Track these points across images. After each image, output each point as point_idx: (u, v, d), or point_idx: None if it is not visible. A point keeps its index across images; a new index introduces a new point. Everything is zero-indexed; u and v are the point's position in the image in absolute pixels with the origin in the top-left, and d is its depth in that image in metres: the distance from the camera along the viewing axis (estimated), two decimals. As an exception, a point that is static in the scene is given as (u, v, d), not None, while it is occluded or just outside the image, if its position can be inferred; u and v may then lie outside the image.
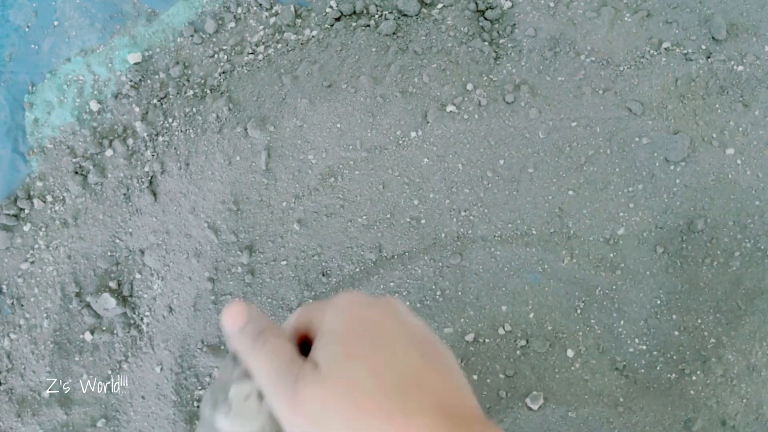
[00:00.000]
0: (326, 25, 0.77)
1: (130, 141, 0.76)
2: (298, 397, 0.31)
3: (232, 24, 0.78)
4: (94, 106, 0.77)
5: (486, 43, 0.76)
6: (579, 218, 0.74)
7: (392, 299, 0.36)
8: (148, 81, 0.77)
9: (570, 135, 0.74)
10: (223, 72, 0.77)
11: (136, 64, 0.77)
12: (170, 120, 0.76)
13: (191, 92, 0.77)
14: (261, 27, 0.78)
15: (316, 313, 0.37)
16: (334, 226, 0.74)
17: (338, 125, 0.74)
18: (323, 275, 0.74)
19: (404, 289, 0.74)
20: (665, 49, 0.75)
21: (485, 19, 0.77)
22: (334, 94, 0.74)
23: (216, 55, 0.78)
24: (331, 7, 0.78)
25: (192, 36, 0.78)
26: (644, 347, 0.73)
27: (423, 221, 0.74)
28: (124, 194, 0.75)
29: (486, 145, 0.74)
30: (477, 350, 0.73)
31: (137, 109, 0.76)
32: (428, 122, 0.74)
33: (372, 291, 0.74)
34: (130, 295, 0.75)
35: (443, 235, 0.74)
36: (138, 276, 0.75)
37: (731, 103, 0.74)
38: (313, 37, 0.77)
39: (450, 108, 0.74)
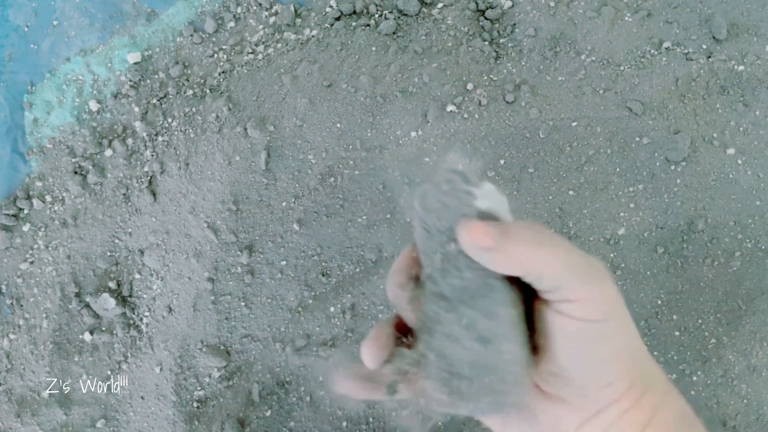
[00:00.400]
0: (326, 25, 0.77)
1: (129, 141, 0.76)
2: None
3: (232, 24, 0.78)
4: (94, 106, 0.77)
5: (486, 43, 0.76)
6: (579, 218, 0.74)
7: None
8: (148, 81, 0.77)
9: (570, 135, 0.74)
10: (223, 72, 0.77)
11: (135, 63, 0.77)
12: (170, 120, 0.76)
13: (191, 92, 0.76)
14: (261, 27, 0.78)
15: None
16: (334, 226, 0.74)
17: (338, 125, 0.74)
18: (323, 275, 0.74)
19: (404, 289, 0.74)
20: (666, 48, 0.75)
21: (485, 18, 0.77)
22: (334, 94, 0.74)
23: (216, 55, 0.78)
24: (331, 6, 0.78)
25: (192, 36, 0.78)
26: (644, 347, 0.73)
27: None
28: (124, 194, 0.75)
29: (486, 144, 0.74)
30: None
31: (137, 109, 0.76)
32: (428, 122, 0.74)
33: (372, 291, 0.74)
34: (130, 295, 0.75)
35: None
36: (137, 276, 0.75)
37: (732, 102, 0.74)
38: (313, 36, 0.77)
39: (450, 108, 0.74)
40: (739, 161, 0.73)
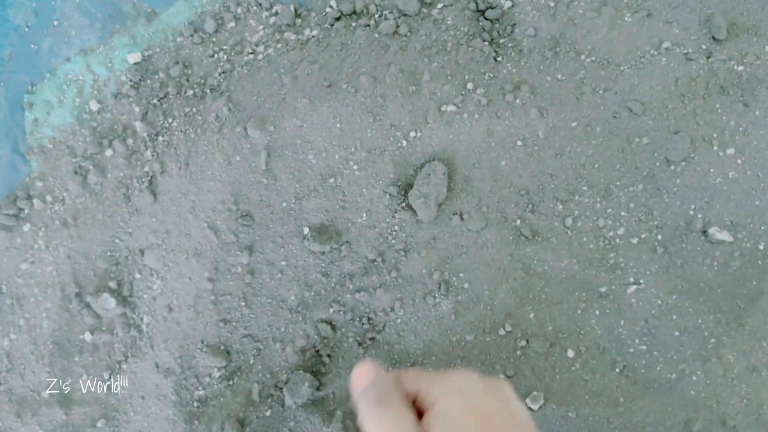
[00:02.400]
0: (326, 25, 0.77)
1: (129, 141, 0.76)
2: None
3: (232, 24, 0.78)
4: (94, 105, 0.77)
5: (486, 43, 0.76)
6: (579, 218, 0.74)
7: (504, 384, 0.40)
8: (148, 81, 0.77)
9: (570, 135, 0.74)
10: (223, 72, 0.77)
11: (135, 63, 0.77)
12: (170, 120, 0.76)
13: (191, 92, 0.76)
14: (261, 27, 0.78)
15: (426, 386, 0.40)
16: (334, 226, 0.74)
17: (338, 125, 0.74)
18: (323, 275, 0.74)
19: (405, 289, 0.74)
20: (665, 48, 0.75)
21: (485, 18, 0.77)
22: (334, 94, 0.74)
23: (216, 55, 0.78)
24: (331, 6, 0.78)
25: (192, 36, 0.78)
26: (644, 347, 0.73)
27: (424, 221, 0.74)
28: (124, 194, 0.75)
29: (486, 144, 0.74)
30: (477, 350, 0.73)
31: (137, 109, 0.76)
32: (428, 122, 0.74)
33: (372, 292, 0.74)
34: (130, 295, 0.75)
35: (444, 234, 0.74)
36: (138, 276, 0.75)
37: (732, 103, 0.74)
38: (313, 36, 0.77)
39: (450, 108, 0.74)
40: (739, 161, 0.73)
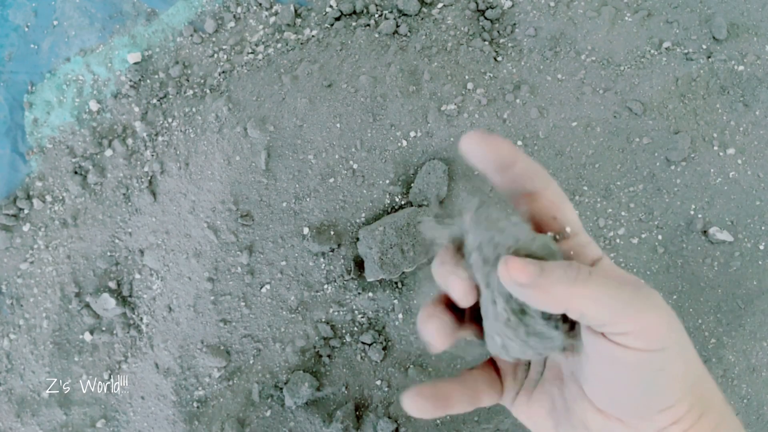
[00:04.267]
0: (326, 25, 0.77)
1: (129, 141, 0.76)
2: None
3: (232, 24, 0.78)
4: (94, 105, 0.77)
5: (486, 43, 0.76)
6: (580, 218, 0.74)
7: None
8: (148, 81, 0.77)
9: (570, 135, 0.74)
10: (223, 72, 0.77)
11: (135, 63, 0.77)
12: (170, 120, 0.76)
13: (191, 92, 0.76)
14: (261, 27, 0.78)
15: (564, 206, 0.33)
16: (334, 226, 0.74)
17: (338, 125, 0.74)
18: (323, 275, 0.74)
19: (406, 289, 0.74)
20: (666, 48, 0.75)
21: (485, 18, 0.77)
22: (334, 94, 0.74)
23: (216, 55, 0.77)
24: (331, 6, 0.78)
25: (192, 36, 0.78)
26: (644, 347, 0.73)
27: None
28: (124, 194, 0.75)
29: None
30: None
31: (137, 109, 0.76)
32: (428, 122, 0.74)
33: (373, 292, 0.74)
34: (130, 295, 0.75)
35: (443, 235, 0.74)
36: (138, 276, 0.75)
37: (732, 102, 0.74)
38: (313, 36, 0.77)
39: (450, 107, 0.74)
40: (739, 161, 0.73)
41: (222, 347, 0.74)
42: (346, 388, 0.73)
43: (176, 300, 0.74)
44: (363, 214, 0.74)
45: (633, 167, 0.73)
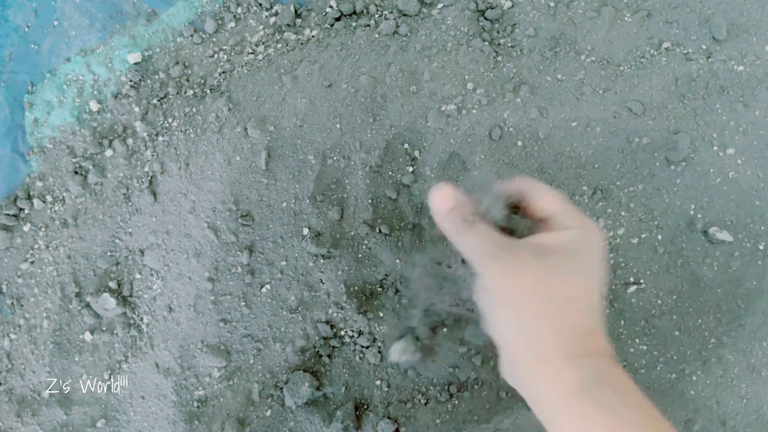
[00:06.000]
0: (326, 25, 0.77)
1: (129, 141, 0.76)
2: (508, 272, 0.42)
3: (232, 24, 0.78)
4: (94, 106, 0.77)
5: (486, 43, 0.76)
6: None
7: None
8: (148, 81, 0.77)
9: (570, 135, 0.74)
10: (223, 72, 0.77)
11: (135, 64, 0.77)
12: (170, 120, 0.76)
13: (191, 92, 0.76)
14: (261, 27, 0.78)
15: (539, 193, 0.45)
16: (333, 227, 0.74)
17: (338, 125, 0.74)
18: (323, 276, 0.74)
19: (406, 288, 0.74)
20: (665, 49, 0.75)
21: (485, 18, 0.77)
22: (334, 94, 0.74)
23: (216, 55, 0.78)
24: (331, 6, 0.78)
25: (192, 36, 0.78)
26: (644, 347, 0.72)
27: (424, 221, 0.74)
28: (124, 194, 0.75)
29: (486, 145, 0.74)
30: (477, 350, 0.73)
31: (137, 109, 0.76)
32: (428, 122, 0.74)
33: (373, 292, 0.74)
34: (130, 295, 0.75)
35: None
36: (138, 276, 0.75)
37: (732, 103, 0.74)
38: (313, 37, 0.77)
39: (450, 107, 0.74)
40: (739, 161, 0.73)
41: (222, 347, 0.74)
42: (346, 388, 0.73)
43: (176, 300, 0.74)
44: (363, 215, 0.74)
45: (633, 167, 0.73)
